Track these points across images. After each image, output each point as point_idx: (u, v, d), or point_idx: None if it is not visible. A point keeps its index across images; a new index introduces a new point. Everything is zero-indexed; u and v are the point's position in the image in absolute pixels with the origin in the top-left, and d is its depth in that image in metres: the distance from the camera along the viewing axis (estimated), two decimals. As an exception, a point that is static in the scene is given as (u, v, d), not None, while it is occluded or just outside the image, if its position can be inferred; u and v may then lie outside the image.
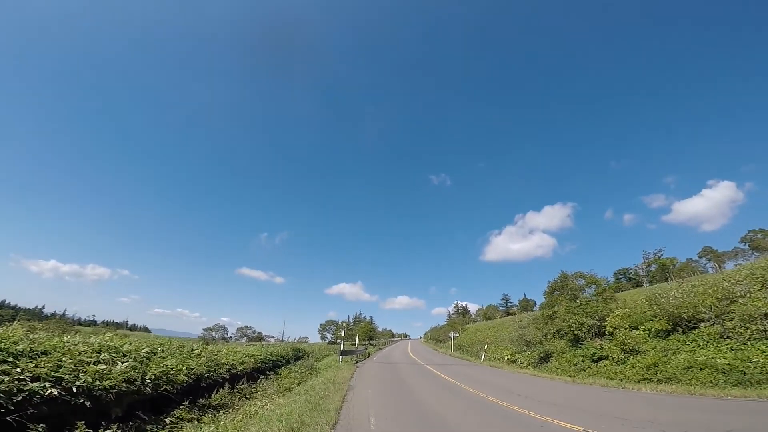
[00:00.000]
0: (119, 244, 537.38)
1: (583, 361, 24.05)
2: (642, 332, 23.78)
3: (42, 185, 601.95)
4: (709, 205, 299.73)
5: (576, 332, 27.12)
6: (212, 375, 14.07)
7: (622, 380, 19.08)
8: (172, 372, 10.85)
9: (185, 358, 13.30)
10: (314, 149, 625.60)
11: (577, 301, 29.40)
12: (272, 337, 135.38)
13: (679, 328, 21.89)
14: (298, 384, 18.28)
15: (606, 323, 26.13)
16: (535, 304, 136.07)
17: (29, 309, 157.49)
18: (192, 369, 12.48)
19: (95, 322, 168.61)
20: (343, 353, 28.48)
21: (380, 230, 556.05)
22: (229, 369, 15.84)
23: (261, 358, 19.95)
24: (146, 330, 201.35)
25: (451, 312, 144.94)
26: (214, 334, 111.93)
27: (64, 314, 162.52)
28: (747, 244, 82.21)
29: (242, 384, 15.76)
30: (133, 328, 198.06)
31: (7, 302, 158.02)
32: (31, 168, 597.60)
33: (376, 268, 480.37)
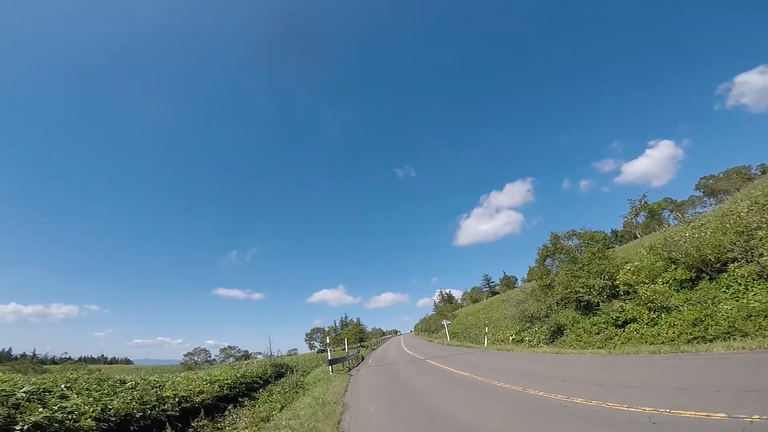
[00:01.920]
0: (83, 279, 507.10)
1: (605, 329, 20.94)
2: (661, 285, 20.93)
3: None
4: (654, 163, 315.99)
5: (586, 297, 24.08)
6: (150, 414, 9.82)
7: (663, 343, 15.99)
8: (70, 417, 6.73)
9: (103, 395, 9.04)
10: (274, 159, 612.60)
11: (578, 262, 26.36)
12: (260, 353, 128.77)
13: (704, 275, 19.13)
14: (281, 409, 14.15)
15: (618, 281, 23.24)
16: (516, 279, 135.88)
17: None
18: (110, 409, 8.27)
19: (70, 358, 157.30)
20: (332, 362, 24.31)
21: (353, 231, 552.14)
22: (180, 402, 11.57)
23: (229, 383, 15.60)
24: (128, 362, 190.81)
25: (437, 301, 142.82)
26: (196, 358, 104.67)
27: (34, 354, 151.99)
28: (701, 191, 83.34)
29: (200, 420, 11.53)
30: (114, 361, 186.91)
31: None
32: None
33: (355, 270, 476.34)
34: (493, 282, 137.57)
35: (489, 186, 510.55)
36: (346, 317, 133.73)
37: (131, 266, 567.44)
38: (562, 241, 30.03)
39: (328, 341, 27.64)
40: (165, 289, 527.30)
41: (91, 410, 7.90)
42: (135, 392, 10.67)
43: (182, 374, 17.12)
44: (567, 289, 26.69)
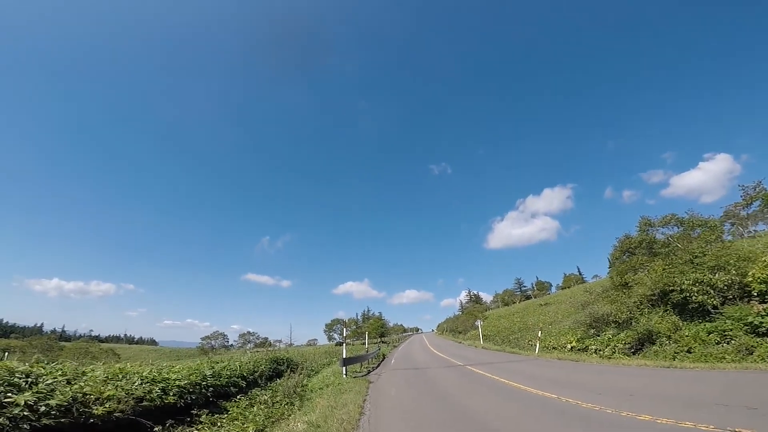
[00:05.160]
0: (122, 258, 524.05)
1: (734, 338, 14.22)
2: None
3: (39, 203, 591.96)
4: (707, 178, 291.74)
5: (698, 298, 17.14)
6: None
7: None
8: None
9: None
10: (312, 149, 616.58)
11: (686, 254, 19.28)
12: (279, 341, 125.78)
13: None
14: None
15: (750, 278, 16.27)
16: (551, 285, 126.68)
17: (29, 327, 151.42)
18: None
19: (97, 336, 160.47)
20: (346, 362, 18.01)
21: (384, 225, 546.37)
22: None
23: (183, 385, 9.91)
24: (153, 343, 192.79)
25: (463, 301, 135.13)
26: (213, 342, 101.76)
27: (63, 331, 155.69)
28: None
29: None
30: (140, 341, 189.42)
31: (4, 321, 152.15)
32: (27, 187, 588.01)
33: (382, 265, 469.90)
34: (525, 286, 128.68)
35: (526, 189, 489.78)
36: (368, 311, 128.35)
37: (168, 248, 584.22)
38: (654, 229, 22.91)
39: (345, 334, 21.25)
40: (198, 272, 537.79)
41: None
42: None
43: (156, 365, 11.80)
44: (662, 287, 19.80)
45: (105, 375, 8.69)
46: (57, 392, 6.87)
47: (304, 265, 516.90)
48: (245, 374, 13.82)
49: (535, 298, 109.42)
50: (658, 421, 6.73)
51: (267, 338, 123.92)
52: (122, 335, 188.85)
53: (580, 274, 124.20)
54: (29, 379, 7.05)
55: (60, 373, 7.78)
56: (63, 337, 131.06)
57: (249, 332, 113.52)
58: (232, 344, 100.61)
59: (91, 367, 9.51)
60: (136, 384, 8.81)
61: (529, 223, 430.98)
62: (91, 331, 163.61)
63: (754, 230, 51.40)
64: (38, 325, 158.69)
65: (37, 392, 6.64)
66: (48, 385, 7.02)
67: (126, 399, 7.95)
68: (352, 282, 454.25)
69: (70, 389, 7.15)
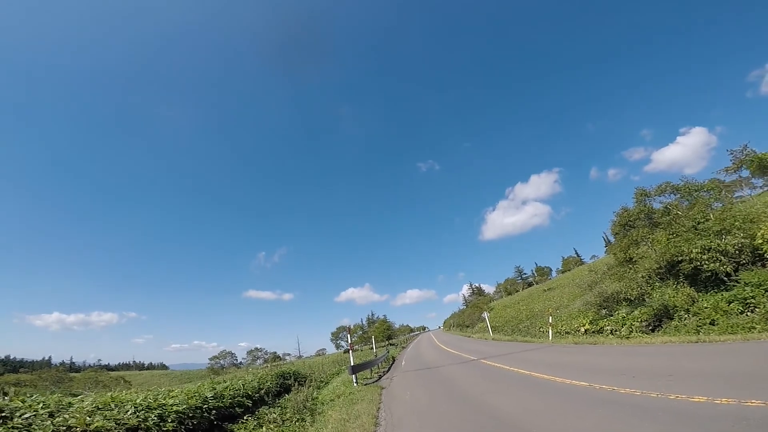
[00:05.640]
0: (121, 287, 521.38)
1: (757, 306, 13.56)
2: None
3: (33, 240, 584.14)
4: (686, 151, 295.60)
5: (710, 266, 16.54)
6: None
7: None
8: None
9: None
10: (298, 158, 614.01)
11: (689, 221, 18.69)
12: (289, 354, 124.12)
13: None
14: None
15: (758, 239, 15.74)
16: (551, 270, 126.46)
17: (37, 361, 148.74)
18: None
19: (106, 366, 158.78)
20: (355, 369, 17.22)
21: (378, 228, 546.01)
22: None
23: (183, 410, 9.09)
24: (164, 367, 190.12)
25: (466, 295, 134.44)
26: (222, 361, 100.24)
27: (72, 362, 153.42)
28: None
29: None
30: (150, 367, 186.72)
31: (12, 357, 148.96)
32: (18, 222, 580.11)
33: (381, 268, 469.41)
34: (525, 274, 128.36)
35: (514, 178, 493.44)
36: (372, 315, 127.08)
37: (166, 273, 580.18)
38: (651, 199, 22.34)
39: (350, 340, 20.42)
40: (199, 294, 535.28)
41: None
42: None
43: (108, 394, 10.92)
44: (669, 258, 19.22)
45: (94, 405, 7.90)
46: (34, 427, 6.12)
47: (304, 276, 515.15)
48: (250, 392, 12.97)
49: (537, 284, 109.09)
50: (718, 402, 5.97)
51: (275, 353, 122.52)
52: (131, 362, 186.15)
53: (578, 255, 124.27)
54: (2, 414, 6.30)
55: (41, 405, 7.00)
56: (72, 368, 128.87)
57: (256, 348, 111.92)
58: (241, 362, 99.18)
59: (80, 396, 8.71)
60: (129, 412, 8.02)
61: (520, 211, 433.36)
62: (99, 360, 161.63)
63: (741, 196, 50.93)
64: (46, 358, 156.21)
65: (11, 427, 5.91)
66: (25, 419, 6.27)
67: (116, 429, 7.17)
68: (354, 288, 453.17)
69: (52, 423, 6.39)
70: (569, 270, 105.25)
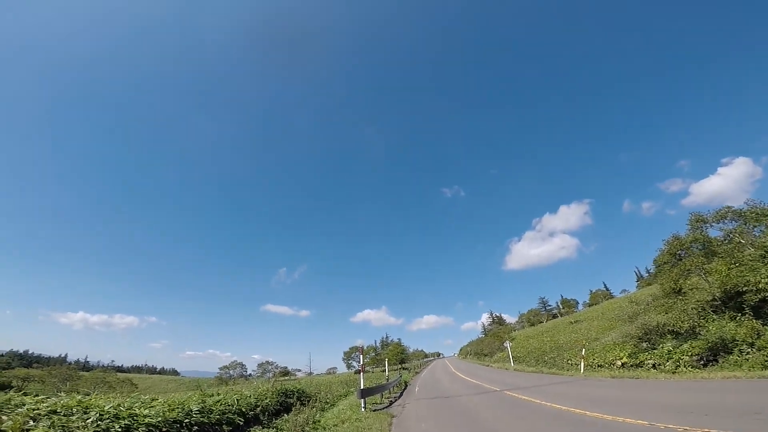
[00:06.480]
0: (144, 292, 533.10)
1: None
2: None
3: (65, 241, 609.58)
4: (728, 183, 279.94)
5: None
6: None
7: None
8: None
9: None
10: (324, 179, 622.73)
11: (756, 249, 16.15)
12: (299, 371, 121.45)
13: None
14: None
15: None
16: (578, 302, 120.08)
17: (53, 357, 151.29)
18: None
19: (120, 367, 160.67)
20: (364, 393, 15.36)
21: (399, 251, 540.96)
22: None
23: (156, 423, 7.53)
24: (175, 373, 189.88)
25: (486, 323, 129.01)
26: (231, 372, 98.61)
27: (86, 361, 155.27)
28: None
29: None
30: (162, 371, 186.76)
31: (30, 352, 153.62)
32: (55, 225, 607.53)
33: (399, 291, 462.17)
34: (550, 305, 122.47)
35: (542, 208, 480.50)
36: (387, 337, 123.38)
37: (189, 281, 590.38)
38: (707, 226, 19.82)
39: (362, 361, 18.44)
40: (218, 304, 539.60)
41: None
42: None
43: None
44: (731, 288, 16.68)
45: (49, 408, 6.47)
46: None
47: (322, 295, 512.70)
48: (244, 409, 11.24)
49: (561, 316, 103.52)
50: None
51: (286, 367, 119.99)
52: (148, 366, 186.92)
53: (607, 289, 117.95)
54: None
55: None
56: (86, 367, 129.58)
57: (268, 362, 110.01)
58: (250, 374, 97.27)
59: (35, 398, 7.29)
60: (90, 420, 6.53)
61: (547, 242, 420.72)
62: (113, 361, 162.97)
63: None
64: (62, 355, 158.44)
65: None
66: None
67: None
68: (370, 310, 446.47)
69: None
70: (597, 303, 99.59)
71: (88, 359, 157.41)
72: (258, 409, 11.96)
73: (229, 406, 10.74)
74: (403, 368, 72.16)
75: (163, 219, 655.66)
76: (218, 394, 11.82)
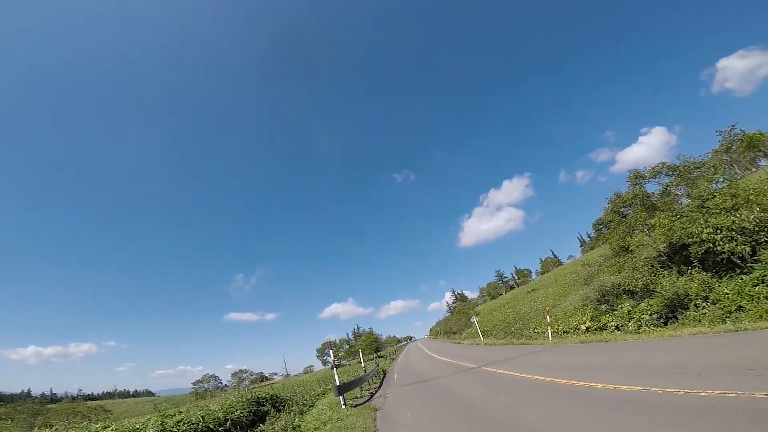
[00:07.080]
0: (95, 319, 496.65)
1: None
2: None
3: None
4: (649, 150, 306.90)
5: (725, 247, 14.83)
6: None
7: None
8: None
9: None
10: (272, 177, 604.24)
11: (696, 199, 16.97)
12: (276, 374, 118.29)
13: None
14: None
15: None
16: (531, 272, 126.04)
17: (16, 394, 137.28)
18: None
19: (90, 395, 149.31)
20: (341, 389, 14.50)
21: (358, 242, 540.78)
22: None
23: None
24: (150, 393, 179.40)
25: (449, 302, 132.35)
26: (206, 385, 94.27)
27: (52, 394, 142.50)
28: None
29: None
30: (135, 394, 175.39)
31: None
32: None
33: (364, 281, 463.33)
34: (506, 277, 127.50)
35: (488, 184, 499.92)
36: (358, 328, 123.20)
37: (141, 302, 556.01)
38: (645, 182, 20.75)
39: (334, 356, 17.63)
40: (179, 320, 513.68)
41: None
42: None
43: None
44: (676, 241, 17.60)
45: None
46: None
47: (286, 296, 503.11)
48: (212, 426, 10.18)
49: (518, 286, 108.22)
50: None
51: (261, 373, 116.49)
52: (114, 390, 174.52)
53: (555, 256, 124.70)
54: None
55: None
56: (53, 399, 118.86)
57: (241, 370, 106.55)
58: (226, 385, 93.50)
59: None
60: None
61: (495, 216, 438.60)
62: (80, 390, 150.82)
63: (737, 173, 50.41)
64: (24, 391, 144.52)
65: None
66: None
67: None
68: (337, 303, 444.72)
69: None
70: (549, 271, 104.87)
71: (53, 391, 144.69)
72: (228, 423, 10.93)
73: (192, 425, 9.66)
74: (379, 356, 72.33)
75: (103, 241, 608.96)
76: (180, 413, 10.64)
